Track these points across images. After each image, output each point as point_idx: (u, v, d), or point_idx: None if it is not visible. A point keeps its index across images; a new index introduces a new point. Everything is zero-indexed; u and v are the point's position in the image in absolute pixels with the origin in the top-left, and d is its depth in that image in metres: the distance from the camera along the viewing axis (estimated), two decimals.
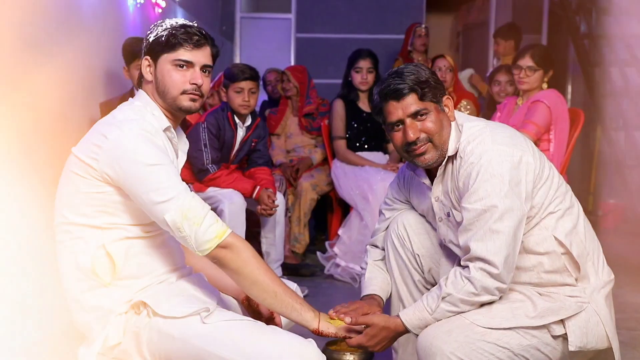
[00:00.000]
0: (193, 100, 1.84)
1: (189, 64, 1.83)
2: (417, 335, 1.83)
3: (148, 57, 1.85)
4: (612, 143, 5.93)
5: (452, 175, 1.90)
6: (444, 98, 1.90)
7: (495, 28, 6.65)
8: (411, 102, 1.85)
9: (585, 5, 6.38)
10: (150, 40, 1.84)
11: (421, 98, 1.85)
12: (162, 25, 1.84)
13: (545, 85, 3.49)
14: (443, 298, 1.79)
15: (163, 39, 1.81)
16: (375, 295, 2.09)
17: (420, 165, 1.92)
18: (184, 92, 1.83)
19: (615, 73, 5.92)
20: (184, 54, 1.82)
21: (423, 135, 1.85)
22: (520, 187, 1.78)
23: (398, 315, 1.87)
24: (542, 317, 1.79)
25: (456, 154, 1.88)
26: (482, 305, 1.80)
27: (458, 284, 1.78)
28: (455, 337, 1.73)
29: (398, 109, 1.86)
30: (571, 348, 1.78)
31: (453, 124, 1.91)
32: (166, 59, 1.82)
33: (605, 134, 6.02)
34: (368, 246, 2.25)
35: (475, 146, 1.82)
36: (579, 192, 4.25)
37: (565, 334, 1.79)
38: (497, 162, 1.78)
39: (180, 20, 1.87)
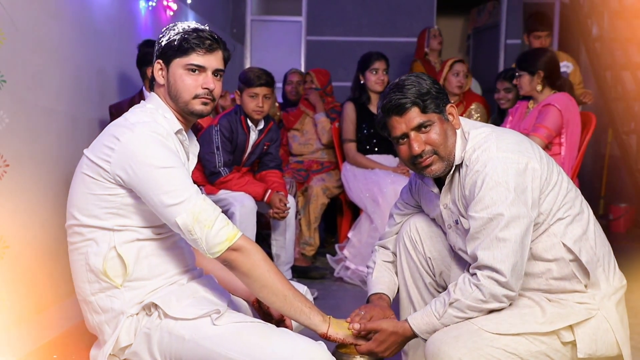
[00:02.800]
0: (205, 104, 1.85)
1: (201, 69, 1.83)
2: (426, 340, 1.83)
3: (160, 61, 1.86)
4: (623, 146, 5.89)
5: (459, 183, 1.89)
6: (448, 107, 1.89)
7: (506, 31, 6.63)
8: (414, 116, 1.84)
9: (596, 8, 6.35)
10: (163, 44, 1.85)
11: (423, 110, 1.84)
12: (174, 29, 1.85)
13: (539, 87, 3.48)
14: (451, 304, 1.79)
15: (175, 43, 1.82)
16: (384, 294, 2.09)
17: (428, 176, 1.92)
18: (196, 97, 1.84)
19: (627, 76, 5.89)
20: (196, 58, 1.83)
21: (428, 148, 1.85)
22: (527, 194, 1.77)
23: (406, 320, 1.87)
24: (551, 322, 1.78)
25: (462, 162, 1.87)
26: (491, 311, 1.80)
27: (466, 291, 1.78)
28: (463, 343, 1.73)
29: (401, 124, 1.85)
30: (580, 355, 1.77)
31: (459, 131, 1.91)
32: (178, 63, 1.83)
33: (616, 137, 5.99)
34: (377, 246, 2.25)
35: (480, 154, 1.81)
36: (590, 195, 4.23)
37: (575, 340, 1.78)
38: (502, 169, 1.77)
39: (193, 23, 1.88)
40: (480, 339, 1.74)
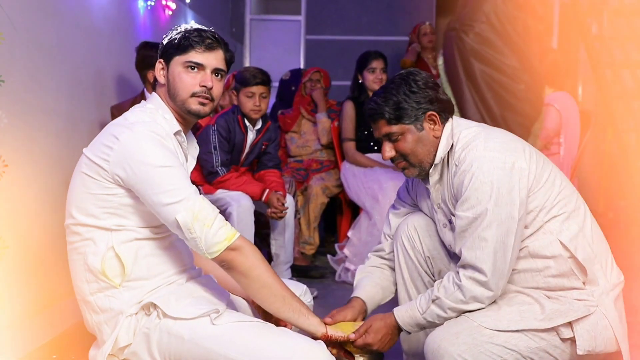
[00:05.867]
0: (202, 104, 1.84)
1: (200, 67, 1.83)
2: (409, 333, 1.89)
3: (161, 60, 1.87)
4: (622, 145, 5.88)
5: (449, 183, 1.91)
6: (427, 115, 1.90)
7: None
8: (382, 126, 1.92)
9: (596, 6, 6.34)
10: (164, 43, 1.86)
11: (391, 122, 1.90)
12: (176, 30, 1.87)
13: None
14: (433, 301, 1.83)
15: (176, 41, 1.83)
16: (358, 298, 2.10)
17: (407, 177, 2.00)
18: (193, 95, 1.83)
19: (626, 75, 5.88)
20: (195, 55, 1.83)
21: (398, 155, 1.92)
22: (513, 194, 1.77)
23: (392, 312, 1.91)
24: (551, 319, 1.78)
25: (450, 161, 1.90)
26: (470, 312, 1.82)
27: (449, 290, 1.81)
28: (463, 340, 1.74)
29: (375, 129, 1.95)
30: (579, 352, 1.77)
31: (446, 133, 1.92)
32: (178, 61, 1.83)
33: (616, 135, 5.98)
34: (370, 254, 2.26)
35: (467, 153, 1.83)
36: (590, 194, 4.23)
37: (574, 337, 1.78)
38: (488, 168, 1.78)
39: (196, 24, 1.89)
40: (480, 335, 1.75)
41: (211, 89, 1.84)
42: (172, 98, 1.85)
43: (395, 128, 1.89)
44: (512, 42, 3.05)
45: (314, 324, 1.82)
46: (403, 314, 1.89)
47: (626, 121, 6.03)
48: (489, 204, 1.76)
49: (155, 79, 1.90)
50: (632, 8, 5.70)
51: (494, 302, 1.84)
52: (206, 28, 1.88)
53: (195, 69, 1.83)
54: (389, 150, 1.93)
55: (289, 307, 1.79)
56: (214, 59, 1.85)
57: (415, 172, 1.94)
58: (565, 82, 3.64)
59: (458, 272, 1.81)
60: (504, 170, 1.78)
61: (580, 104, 3.75)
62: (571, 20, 6.66)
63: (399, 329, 1.91)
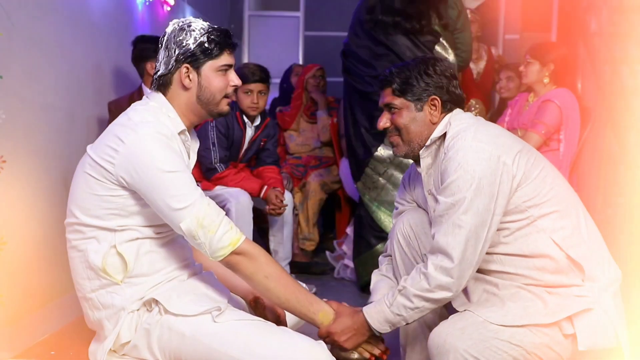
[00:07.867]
0: (229, 104, 1.88)
1: (229, 67, 1.86)
2: (380, 333, 1.86)
3: (188, 66, 1.82)
4: (622, 142, 5.88)
5: (439, 169, 1.92)
6: (430, 99, 1.93)
7: (505, 26, 6.62)
8: (387, 94, 1.98)
9: (595, 3, 6.33)
10: (191, 48, 1.80)
11: (395, 94, 1.96)
12: (193, 30, 1.81)
13: (546, 80, 3.46)
14: (399, 291, 1.82)
15: (206, 45, 1.81)
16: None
17: (398, 155, 2.03)
18: (225, 96, 1.86)
19: (625, 71, 5.88)
20: (227, 59, 1.85)
21: (392, 127, 1.98)
22: (493, 187, 1.77)
23: (362, 309, 1.89)
24: (554, 313, 1.78)
25: (440, 147, 1.92)
26: (437, 302, 1.80)
27: (415, 279, 1.80)
28: (469, 335, 1.74)
29: (381, 96, 2.01)
30: (580, 347, 1.77)
31: (443, 122, 1.94)
32: (211, 66, 1.83)
33: (615, 132, 5.98)
34: (380, 257, 2.26)
35: (456, 141, 1.84)
36: (589, 190, 4.23)
37: (575, 333, 1.78)
38: (473, 158, 1.78)
39: (204, 22, 1.86)
40: (486, 330, 1.75)
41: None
42: (205, 102, 1.84)
43: (397, 101, 1.96)
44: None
45: (317, 322, 1.84)
46: (371, 310, 1.86)
47: (625, 118, 6.03)
48: (468, 193, 1.76)
49: (165, 81, 1.84)
50: (632, 5, 5.69)
51: (499, 298, 1.84)
52: (216, 26, 1.86)
53: (226, 71, 1.85)
54: (385, 120, 1.99)
55: (293, 308, 1.82)
56: (233, 57, 1.88)
57: (404, 150, 1.98)
58: (565, 79, 3.62)
59: (426, 261, 1.80)
60: (488, 162, 1.78)
61: (579, 101, 3.73)
62: (570, 17, 6.65)
63: (368, 328, 1.87)
